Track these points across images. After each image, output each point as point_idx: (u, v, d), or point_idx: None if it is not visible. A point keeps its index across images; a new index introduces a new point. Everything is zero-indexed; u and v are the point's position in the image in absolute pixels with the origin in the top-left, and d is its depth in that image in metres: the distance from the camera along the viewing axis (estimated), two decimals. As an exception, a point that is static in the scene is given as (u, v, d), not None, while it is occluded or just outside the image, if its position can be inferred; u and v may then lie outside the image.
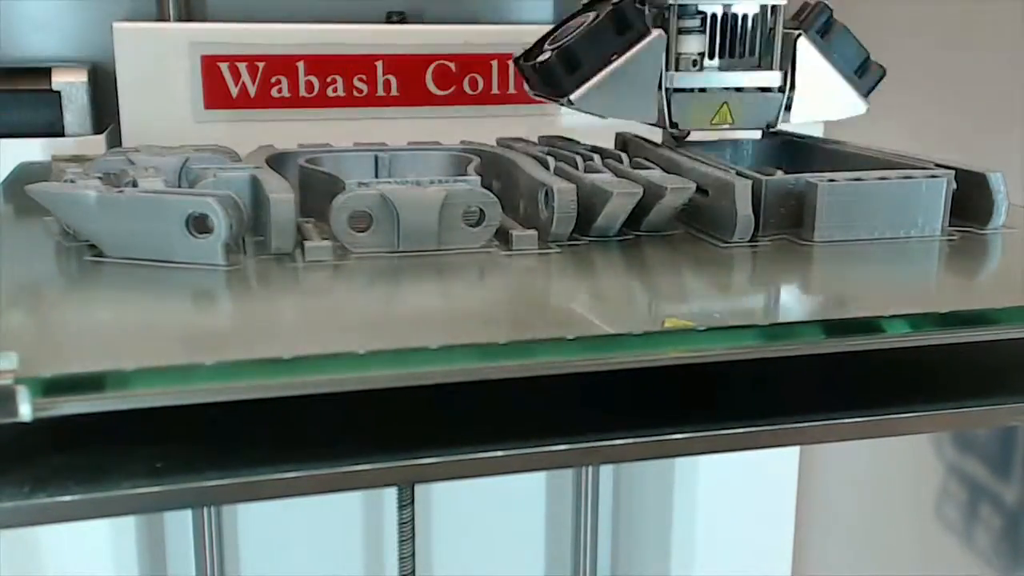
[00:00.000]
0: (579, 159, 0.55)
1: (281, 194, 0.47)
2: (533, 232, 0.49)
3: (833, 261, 0.49)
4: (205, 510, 0.88)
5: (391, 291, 0.45)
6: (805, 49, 0.58)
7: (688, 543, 0.95)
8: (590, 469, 0.95)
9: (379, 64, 0.74)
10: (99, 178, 0.48)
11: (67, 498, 0.34)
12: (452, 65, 0.75)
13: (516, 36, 0.76)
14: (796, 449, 0.95)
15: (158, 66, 0.71)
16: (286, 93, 0.73)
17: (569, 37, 0.57)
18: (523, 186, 0.53)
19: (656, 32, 0.56)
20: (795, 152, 0.64)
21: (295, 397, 0.35)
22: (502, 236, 0.50)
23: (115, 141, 0.73)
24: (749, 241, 0.51)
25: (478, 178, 0.51)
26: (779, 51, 0.58)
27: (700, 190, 0.52)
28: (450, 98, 0.76)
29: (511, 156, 0.57)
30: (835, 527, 1.07)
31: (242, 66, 0.72)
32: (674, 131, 0.59)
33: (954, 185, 0.53)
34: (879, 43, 0.61)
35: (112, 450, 0.36)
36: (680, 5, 0.56)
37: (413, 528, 0.80)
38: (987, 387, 0.44)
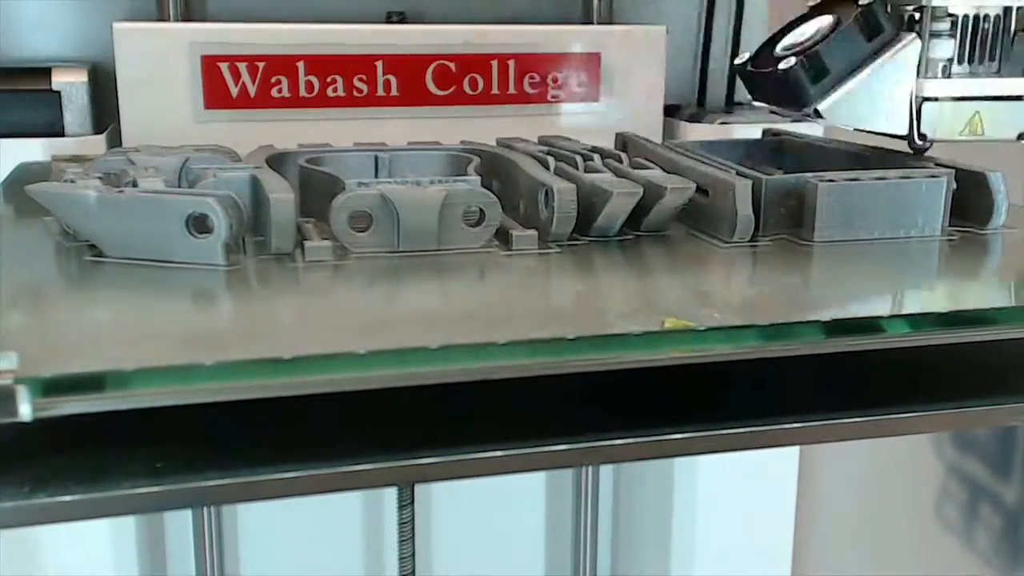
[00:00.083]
0: (579, 159, 0.55)
1: (281, 194, 0.47)
2: (533, 232, 0.49)
3: (833, 261, 0.49)
4: (205, 510, 0.88)
5: (391, 291, 0.45)
6: None
7: (688, 543, 0.95)
8: (590, 469, 0.95)
9: (379, 64, 0.74)
10: (99, 178, 0.48)
11: (67, 498, 0.34)
12: (452, 65, 0.75)
13: (516, 36, 0.76)
14: (796, 449, 0.95)
15: (158, 66, 0.71)
16: (286, 93, 0.73)
17: (809, 42, 0.54)
18: (523, 186, 0.53)
19: (910, 36, 0.53)
20: (794, 152, 0.64)
21: (295, 397, 0.35)
22: (502, 236, 0.50)
23: (115, 141, 0.73)
24: (749, 241, 0.51)
25: (478, 178, 0.51)
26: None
27: (700, 190, 0.52)
28: (450, 98, 0.76)
29: (511, 156, 0.57)
30: (835, 527, 1.07)
31: (242, 66, 0.72)
32: (918, 144, 0.56)
33: (954, 185, 0.53)
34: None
35: (112, 450, 0.36)
36: (934, 7, 0.53)
37: (413, 528, 0.79)
38: (987, 387, 0.44)
